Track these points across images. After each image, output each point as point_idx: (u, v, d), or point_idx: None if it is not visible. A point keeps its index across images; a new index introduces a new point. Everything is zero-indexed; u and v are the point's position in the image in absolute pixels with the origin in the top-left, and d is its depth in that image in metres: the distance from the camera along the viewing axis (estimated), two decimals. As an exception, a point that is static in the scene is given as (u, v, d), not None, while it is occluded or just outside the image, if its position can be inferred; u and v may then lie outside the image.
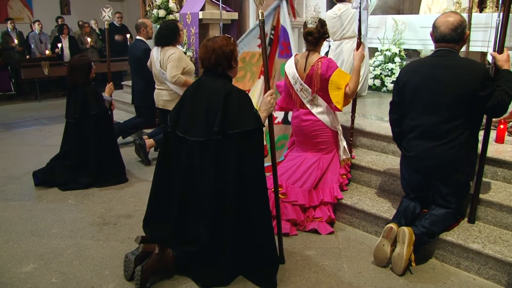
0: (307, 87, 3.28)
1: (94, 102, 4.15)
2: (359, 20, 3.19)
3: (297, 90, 3.38)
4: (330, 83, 3.12)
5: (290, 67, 3.42)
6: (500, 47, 2.67)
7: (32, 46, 9.63)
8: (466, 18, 4.58)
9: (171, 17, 5.63)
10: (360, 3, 3.11)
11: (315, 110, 3.30)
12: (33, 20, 10.37)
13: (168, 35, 4.42)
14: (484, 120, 2.78)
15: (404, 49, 5.98)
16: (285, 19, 3.77)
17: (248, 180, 2.43)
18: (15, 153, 5.34)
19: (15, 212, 3.63)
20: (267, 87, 2.60)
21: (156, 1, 5.59)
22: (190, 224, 2.57)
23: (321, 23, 3.22)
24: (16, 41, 9.33)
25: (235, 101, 2.41)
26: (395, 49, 5.92)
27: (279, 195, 3.21)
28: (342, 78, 3.12)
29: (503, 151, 3.21)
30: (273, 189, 3.21)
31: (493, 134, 3.46)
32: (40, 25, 9.65)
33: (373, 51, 6.20)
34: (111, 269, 2.77)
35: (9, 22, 9.44)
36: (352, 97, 3.21)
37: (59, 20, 10.05)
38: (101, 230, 3.32)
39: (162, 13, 5.56)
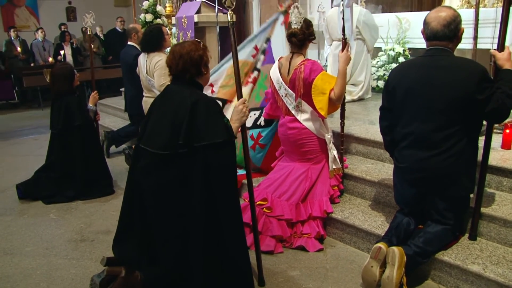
0: (292, 92, 3.04)
1: (78, 112, 3.99)
2: (343, 19, 2.93)
3: (282, 95, 3.15)
4: (313, 88, 2.88)
5: (274, 71, 3.20)
6: (500, 45, 2.39)
7: (36, 54, 9.60)
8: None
9: (159, 21, 5.43)
10: (342, 1, 2.85)
11: (300, 117, 3.06)
12: (38, 28, 10.34)
13: (152, 40, 4.23)
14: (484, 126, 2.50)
15: (409, 48, 5.68)
16: (277, 32, 3.81)
17: (218, 198, 2.20)
18: (6, 164, 5.23)
19: (-7, 228, 3.49)
20: (239, 95, 2.38)
21: (143, 5, 5.40)
22: (157, 245, 2.35)
23: (307, 24, 2.98)
24: (19, 49, 9.31)
25: (203, 111, 2.18)
26: (399, 49, 5.62)
27: (264, 209, 3.01)
28: (327, 82, 2.87)
29: (509, 159, 2.91)
30: (257, 203, 3.02)
31: (499, 139, 3.18)
32: (43, 33, 9.61)
33: (376, 50, 5.90)
34: (79, 292, 2.59)
35: (12, 30, 9.43)
36: (338, 103, 2.95)
37: (62, 27, 10.01)
38: (77, 247, 3.14)
39: (149, 17, 5.36)
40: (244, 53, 3.87)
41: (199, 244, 2.23)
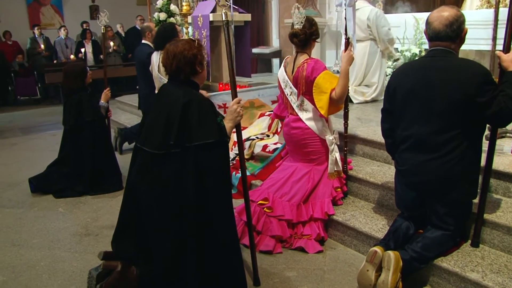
0: (296, 90, 3.03)
1: (89, 109, 4.07)
2: (345, 19, 2.89)
3: (287, 94, 3.14)
4: (314, 86, 2.86)
5: (280, 71, 3.19)
6: (506, 46, 2.31)
7: (58, 51, 9.84)
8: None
9: (172, 20, 5.47)
10: (344, 0, 2.81)
11: (303, 116, 3.04)
12: (61, 26, 10.59)
13: (166, 37, 4.25)
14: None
15: (425, 49, 5.56)
16: None
17: (211, 198, 2.20)
18: (23, 159, 5.38)
19: (5, 220, 3.59)
20: (233, 95, 2.37)
21: (157, 4, 5.45)
22: (152, 243, 2.37)
23: (310, 23, 2.95)
24: (42, 46, 9.57)
25: (195, 111, 2.18)
26: (416, 50, 5.50)
27: (265, 209, 3.00)
28: (328, 81, 2.84)
29: (518, 164, 2.81)
30: (258, 202, 3.02)
31: (510, 143, 3.08)
32: (65, 31, 9.86)
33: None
34: (77, 285, 2.66)
35: (36, 28, 9.70)
36: (340, 103, 2.92)
37: (84, 24, 10.23)
38: (81, 241, 3.21)
39: (163, 16, 5.40)
40: (265, 97, 4.39)
41: (193, 243, 2.24)
